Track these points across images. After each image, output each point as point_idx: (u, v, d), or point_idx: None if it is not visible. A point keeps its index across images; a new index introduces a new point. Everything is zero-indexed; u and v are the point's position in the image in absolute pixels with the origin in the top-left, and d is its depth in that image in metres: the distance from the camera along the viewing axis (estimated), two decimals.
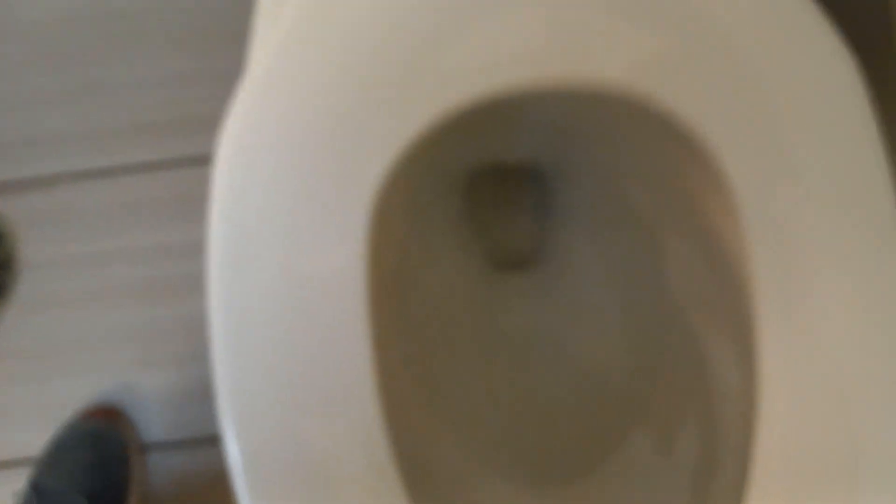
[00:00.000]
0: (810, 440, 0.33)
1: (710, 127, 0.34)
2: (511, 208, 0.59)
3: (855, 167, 0.34)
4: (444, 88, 0.34)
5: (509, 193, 0.59)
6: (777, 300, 0.33)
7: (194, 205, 0.70)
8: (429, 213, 0.52)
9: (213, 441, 0.69)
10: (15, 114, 0.73)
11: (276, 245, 0.34)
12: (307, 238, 0.34)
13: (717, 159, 0.34)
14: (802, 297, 0.33)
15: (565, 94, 0.36)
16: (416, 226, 0.49)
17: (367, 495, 0.33)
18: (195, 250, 0.73)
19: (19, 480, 0.66)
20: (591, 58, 0.34)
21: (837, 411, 0.33)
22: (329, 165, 0.34)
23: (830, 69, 0.34)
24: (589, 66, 0.34)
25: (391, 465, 0.33)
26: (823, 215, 0.34)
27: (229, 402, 0.34)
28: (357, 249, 0.34)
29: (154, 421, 0.70)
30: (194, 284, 0.71)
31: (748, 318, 0.34)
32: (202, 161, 0.71)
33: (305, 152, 0.34)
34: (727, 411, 0.39)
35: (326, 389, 0.34)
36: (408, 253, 0.47)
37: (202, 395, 0.70)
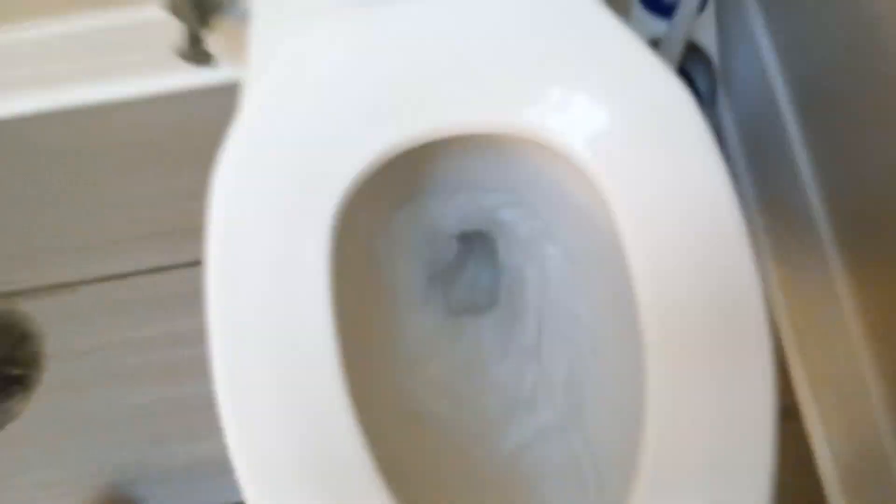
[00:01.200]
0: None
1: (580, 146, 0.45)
2: (467, 267, 0.67)
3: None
4: (385, 133, 0.45)
5: (465, 254, 0.67)
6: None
7: (194, 300, 0.78)
8: (390, 268, 0.60)
9: None
10: (40, 226, 0.83)
11: (261, 272, 0.44)
12: (283, 263, 0.43)
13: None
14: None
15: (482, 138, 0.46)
16: (376, 274, 0.57)
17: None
18: (198, 338, 0.79)
19: None
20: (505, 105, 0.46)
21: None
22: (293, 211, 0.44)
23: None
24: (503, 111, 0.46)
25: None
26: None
27: (230, 406, 0.41)
28: (322, 266, 0.43)
29: (166, 498, 0.74)
30: (199, 367, 0.77)
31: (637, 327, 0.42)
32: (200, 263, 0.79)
33: (282, 190, 0.44)
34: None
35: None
36: (370, 296, 0.55)
37: (214, 468, 0.75)
